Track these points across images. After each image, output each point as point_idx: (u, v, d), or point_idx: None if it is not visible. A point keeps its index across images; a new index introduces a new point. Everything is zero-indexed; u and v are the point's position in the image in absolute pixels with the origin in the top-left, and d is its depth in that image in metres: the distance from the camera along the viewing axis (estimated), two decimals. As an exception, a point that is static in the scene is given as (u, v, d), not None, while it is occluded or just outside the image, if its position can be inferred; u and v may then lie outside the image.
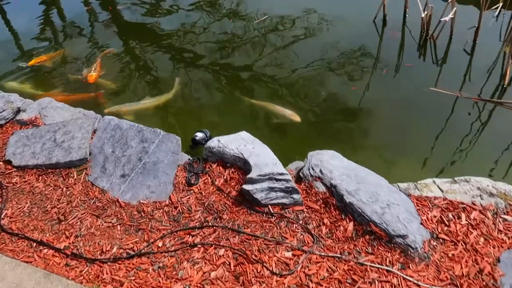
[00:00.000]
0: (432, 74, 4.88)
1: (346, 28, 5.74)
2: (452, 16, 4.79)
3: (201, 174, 3.23)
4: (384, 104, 4.40)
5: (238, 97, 4.72)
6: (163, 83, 5.10)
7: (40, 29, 6.61)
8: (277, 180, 2.88)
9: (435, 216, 2.67)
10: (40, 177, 3.30)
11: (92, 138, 3.56)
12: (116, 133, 3.50)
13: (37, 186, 3.23)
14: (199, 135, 3.92)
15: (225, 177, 3.16)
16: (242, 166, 3.16)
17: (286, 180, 2.87)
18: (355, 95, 4.50)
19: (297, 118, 4.21)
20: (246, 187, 2.87)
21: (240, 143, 3.24)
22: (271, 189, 2.86)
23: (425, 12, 5.01)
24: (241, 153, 3.12)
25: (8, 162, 3.43)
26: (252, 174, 2.90)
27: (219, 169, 3.24)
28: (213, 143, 3.30)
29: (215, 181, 3.15)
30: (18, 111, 4.01)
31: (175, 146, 3.35)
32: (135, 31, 6.43)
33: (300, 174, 3.07)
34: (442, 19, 4.75)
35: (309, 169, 3.05)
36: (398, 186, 2.99)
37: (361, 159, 3.45)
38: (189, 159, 3.44)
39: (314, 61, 5.18)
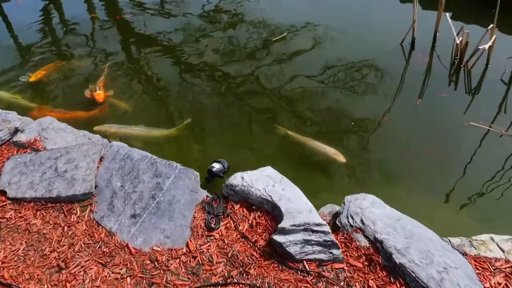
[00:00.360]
0: (466, 105, 4.61)
1: (372, 50, 5.47)
2: (491, 44, 4.54)
3: (222, 217, 2.90)
4: (418, 138, 4.11)
5: (273, 126, 4.32)
6: (173, 107, 4.77)
7: (40, 37, 6.32)
8: (313, 231, 2.56)
9: (499, 283, 2.35)
10: (38, 212, 2.96)
11: (98, 167, 3.24)
12: (126, 164, 3.17)
13: (34, 224, 2.88)
14: (216, 166, 3.61)
15: (250, 222, 2.83)
16: (270, 210, 2.84)
17: (324, 233, 2.55)
18: (386, 126, 4.20)
19: (341, 158, 3.85)
20: (278, 238, 2.54)
21: (268, 182, 2.93)
22: (307, 242, 2.54)
23: (460, 39, 4.75)
24: (270, 196, 2.80)
25: (3, 192, 3.09)
26: (285, 224, 2.57)
27: (243, 211, 2.92)
28: (236, 180, 2.98)
29: (239, 226, 2.82)
30: (16, 131, 3.68)
31: (193, 182, 3.03)
32: (142, 41, 6.15)
33: (338, 222, 2.75)
34: (480, 47, 4.50)
35: (347, 217, 2.73)
36: (450, 241, 2.67)
37: (398, 201, 3.15)
38: (207, 196, 3.12)
39: (340, 84, 4.91)
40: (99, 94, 4.62)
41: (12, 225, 2.88)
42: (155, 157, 3.19)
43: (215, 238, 2.76)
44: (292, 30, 6.15)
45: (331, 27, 6.11)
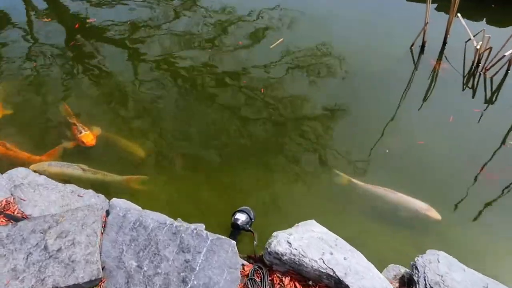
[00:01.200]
0: (498, 120, 4.32)
1: (381, 56, 5.08)
2: (516, 49, 4.32)
3: (271, 296, 2.43)
4: (460, 165, 3.77)
5: (333, 172, 3.75)
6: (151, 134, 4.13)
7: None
8: (398, 317, 2.16)
9: None
10: (30, 313, 2.33)
11: (100, 238, 2.63)
12: (140, 235, 2.60)
13: (27, 331, 2.26)
14: (242, 217, 3.16)
15: (308, 302, 2.39)
16: (332, 285, 2.41)
17: (413, 318, 2.16)
18: (424, 151, 3.84)
19: (436, 215, 3.29)
20: (358, 331, 2.12)
21: (323, 248, 2.49)
22: (392, 332, 2.14)
23: (480, 43, 4.49)
24: (332, 269, 2.37)
25: (-24, 287, 2.42)
26: (364, 311, 2.15)
27: (295, 286, 2.46)
28: (282, 247, 2.52)
29: (295, 308, 2.37)
30: (-21, 191, 2.97)
31: (231, 256, 2.51)
32: (113, 55, 5.39)
33: (415, 295, 2.37)
34: (506, 54, 4.26)
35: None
36: (542, 306, 2.38)
37: (462, 250, 2.84)
38: (243, 265, 2.63)
39: (362, 101, 4.52)
40: (88, 136, 3.74)
41: (-4, 336, 2.24)
42: (176, 223, 2.63)
43: (270, 330, 2.29)
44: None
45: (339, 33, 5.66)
